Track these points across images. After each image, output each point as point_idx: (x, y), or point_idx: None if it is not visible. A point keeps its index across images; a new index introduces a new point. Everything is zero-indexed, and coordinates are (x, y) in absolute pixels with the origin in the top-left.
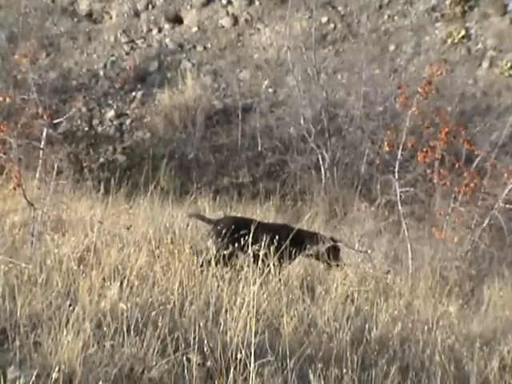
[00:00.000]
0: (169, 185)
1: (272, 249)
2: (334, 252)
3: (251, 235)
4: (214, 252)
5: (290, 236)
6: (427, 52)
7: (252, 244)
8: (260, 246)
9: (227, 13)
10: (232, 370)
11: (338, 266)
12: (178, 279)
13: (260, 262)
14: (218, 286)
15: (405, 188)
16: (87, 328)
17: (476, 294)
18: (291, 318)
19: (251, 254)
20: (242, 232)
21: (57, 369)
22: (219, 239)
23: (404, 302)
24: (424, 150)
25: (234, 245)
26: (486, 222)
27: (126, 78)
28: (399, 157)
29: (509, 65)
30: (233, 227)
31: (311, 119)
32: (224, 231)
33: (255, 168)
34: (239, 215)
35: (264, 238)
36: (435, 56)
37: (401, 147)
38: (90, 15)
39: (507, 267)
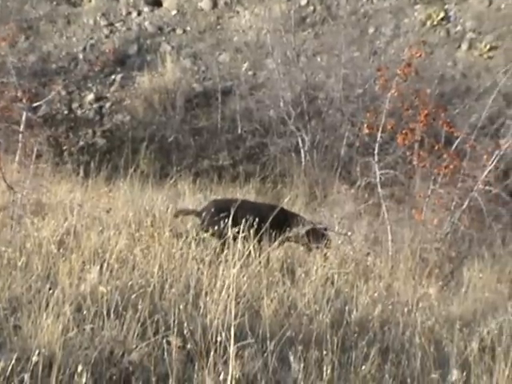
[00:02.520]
0: (149, 168)
1: (252, 231)
2: (315, 235)
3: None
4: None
5: (273, 215)
6: (406, 34)
7: (236, 224)
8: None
9: None
10: (212, 352)
11: (317, 248)
12: (158, 262)
13: (240, 245)
14: (198, 269)
15: (384, 170)
16: (67, 311)
17: (456, 275)
18: (271, 301)
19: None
20: (225, 213)
21: (37, 352)
22: (208, 225)
23: (384, 284)
24: (404, 132)
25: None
26: (466, 203)
27: (105, 61)
28: (379, 139)
29: (488, 47)
30: (216, 210)
31: (291, 102)
32: (210, 216)
33: (235, 151)
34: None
35: (248, 218)
36: (414, 38)
37: (380, 129)
38: None
39: (487, 249)
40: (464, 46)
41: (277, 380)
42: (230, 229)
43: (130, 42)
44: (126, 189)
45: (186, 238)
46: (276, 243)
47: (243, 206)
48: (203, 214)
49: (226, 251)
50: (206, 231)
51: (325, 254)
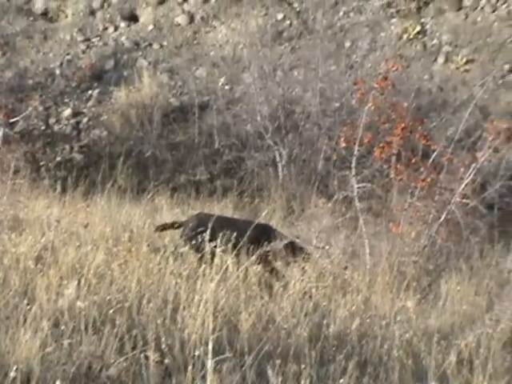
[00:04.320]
0: (126, 183)
1: (230, 245)
2: (293, 249)
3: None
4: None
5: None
6: (383, 48)
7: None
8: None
9: (183, 10)
10: (190, 367)
11: (295, 262)
12: (136, 277)
13: (218, 259)
14: (176, 284)
15: (362, 184)
16: (45, 327)
17: (433, 288)
18: (249, 315)
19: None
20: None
21: (14, 368)
22: (187, 239)
23: (362, 298)
24: (381, 145)
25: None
26: (443, 216)
27: (82, 76)
28: (356, 153)
29: (464, 60)
30: (197, 224)
31: (268, 116)
32: (190, 230)
33: (212, 165)
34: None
35: (227, 233)
36: (391, 52)
37: (357, 143)
38: (45, 14)
39: (464, 262)
40: (440, 60)
41: None
42: (207, 243)
43: (106, 57)
44: (103, 204)
45: (164, 252)
46: (254, 257)
47: (223, 221)
48: (184, 228)
49: (203, 266)
50: (186, 245)
51: (302, 268)
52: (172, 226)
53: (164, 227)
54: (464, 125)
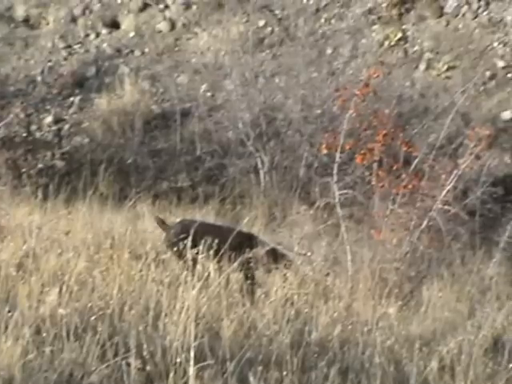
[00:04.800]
0: (108, 190)
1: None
2: (274, 256)
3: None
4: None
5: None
6: (364, 55)
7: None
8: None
9: (164, 17)
10: (172, 374)
11: (277, 268)
12: (117, 284)
13: (199, 266)
14: (158, 291)
15: (343, 190)
16: (26, 334)
17: (415, 295)
18: (231, 322)
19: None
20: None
21: None
22: (171, 245)
23: (344, 304)
24: (362, 152)
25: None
26: (425, 223)
27: (63, 83)
28: (337, 159)
29: (445, 67)
30: (180, 230)
31: (249, 123)
32: (174, 236)
33: (194, 172)
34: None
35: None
36: (372, 59)
37: (339, 150)
38: (26, 21)
39: (446, 268)
40: (422, 66)
41: None
42: (189, 250)
43: (88, 64)
44: (84, 211)
45: (146, 259)
46: (236, 264)
47: (207, 228)
48: (167, 234)
49: (185, 272)
50: (168, 251)
51: (284, 275)
52: (163, 225)
53: (162, 221)
54: (445, 131)
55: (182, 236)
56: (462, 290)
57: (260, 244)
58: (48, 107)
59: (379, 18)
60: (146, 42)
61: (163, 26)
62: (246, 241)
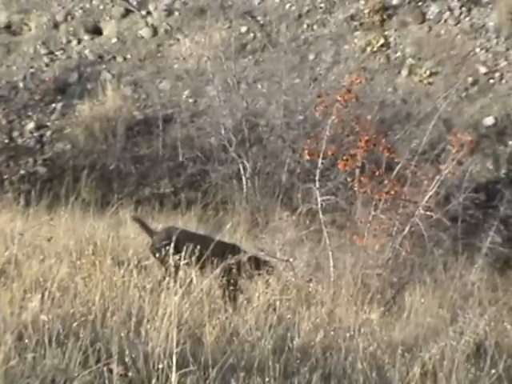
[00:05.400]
0: (90, 196)
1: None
2: (256, 262)
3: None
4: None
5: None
6: (346, 61)
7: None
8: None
9: (146, 23)
10: (154, 380)
11: (259, 275)
12: (100, 290)
13: (181, 273)
14: (140, 297)
15: (326, 196)
16: (8, 340)
17: (397, 301)
18: (213, 328)
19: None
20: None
21: None
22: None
23: (326, 310)
24: (344, 158)
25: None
26: (407, 229)
27: (45, 89)
28: (320, 165)
29: (428, 73)
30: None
31: (232, 129)
32: (159, 242)
33: (176, 178)
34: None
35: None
36: (355, 64)
37: (321, 156)
38: (8, 27)
39: (428, 274)
40: (404, 72)
41: None
42: (171, 256)
43: (70, 70)
44: (67, 217)
45: (128, 265)
46: (218, 270)
47: (191, 237)
48: (153, 241)
49: (167, 279)
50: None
51: (267, 281)
52: (147, 229)
53: (142, 223)
54: (428, 137)
55: (165, 242)
56: (444, 295)
57: (242, 253)
58: (30, 113)
59: (361, 24)
60: (128, 48)
61: (145, 32)
62: (229, 250)
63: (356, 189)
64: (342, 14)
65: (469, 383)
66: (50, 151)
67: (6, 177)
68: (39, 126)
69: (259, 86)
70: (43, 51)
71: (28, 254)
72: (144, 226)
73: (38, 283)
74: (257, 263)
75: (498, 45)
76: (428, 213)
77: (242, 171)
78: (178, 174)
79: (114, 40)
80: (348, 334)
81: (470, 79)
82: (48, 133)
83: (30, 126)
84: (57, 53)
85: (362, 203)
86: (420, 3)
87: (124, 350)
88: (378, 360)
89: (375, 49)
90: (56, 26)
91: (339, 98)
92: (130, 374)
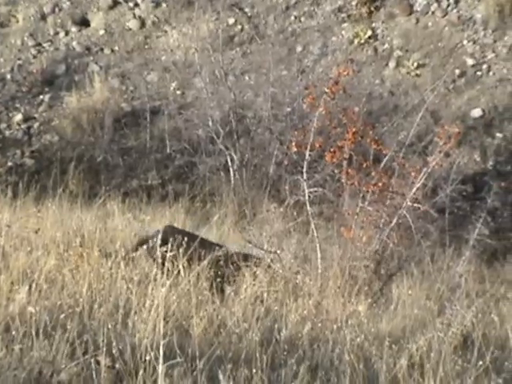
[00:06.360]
0: (77, 188)
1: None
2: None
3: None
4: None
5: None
6: (334, 52)
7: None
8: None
9: (134, 15)
10: (141, 372)
11: (247, 266)
12: (87, 282)
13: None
14: (128, 289)
15: (313, 188)
16: None
17: (385, 292)
18: (201, 320)
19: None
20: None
21: None
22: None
23: (313, 302)
24: (332, 150)
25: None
26: (394, 221)
27: (33, 81)
28: (307, 157)
29: (415, 64)
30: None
31: (219, 121)
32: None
33: (164, 170)
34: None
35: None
36: (342, 56)
37: (309, 148)
38: None
39: (416, 266)
40: (391, 64)
41: None
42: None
43: (57, 62)
44: (54, 209)
45: (115, 257)
46: (205, 262)
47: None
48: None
49: (155, 270)
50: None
51: (254, 273)
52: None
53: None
54: (415, 129)
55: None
56: (431, 287)
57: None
58: (17, 105)
59: (349, 15)
60: (116, 39)
61: (133, 23)
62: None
63: (343, 181)
64: (329, 5)
65: (456, 375)
66: (38, 143)
67: None
68: (27, 118)
69: (247, 78)
70: (31, 43)
71: (15, 246)
72: (144, 242)
73: (26, 275)
74: (244, 254)
75: (485, 37)
76: (415, 205)
77: (229, 163)
78: (166, 166)
79: (102, 32)
80: (335, 326)
81: (457, 71)
82: (35, 125)
83: (18, 117)
84: (44, 45)
85: (349, 195)
86: None
87: (111, 341)
88: (365, 352)
89: (363, 41)
90: (43, 17)
91: (327, 90)
92: (117, 365)
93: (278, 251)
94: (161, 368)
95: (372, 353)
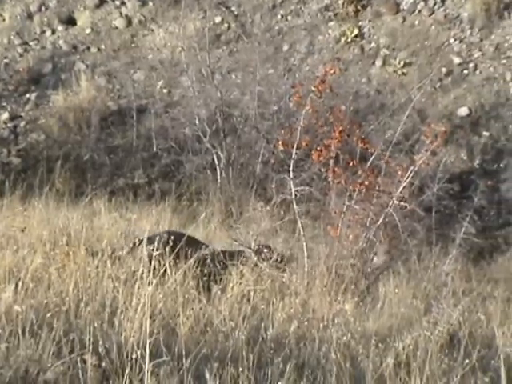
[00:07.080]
0: (64, 187)
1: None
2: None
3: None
4: None
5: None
6: (321, 51)
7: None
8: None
9: (120, 14)
10: (128, 370)
11: (233, 265)
12: (74, 281)
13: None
14: (114, 287)
15: (300, 187)
16: None
17: (371, 291)
18: (187, 318)
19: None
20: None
21: None
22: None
23: (300, 301)
24: (319, 148)
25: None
26: (381, 219)
27: (19, 80)
28: (294, 156)
29: (402, 63)
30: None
31: (206, 119)
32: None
33: (150, 169)
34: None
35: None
36: (329, 55)
37: (295, 146)
38: None
39: (402, 264)
40: (378, 63)
41: None
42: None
43: (44, 60)
44: (41, 208)
45: (102, 256)
46: (192, 260)
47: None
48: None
49: (141, 269)
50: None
51: (241, 271)
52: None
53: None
54: (402, 128)
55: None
56: (418, 286)
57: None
58: (4, 104)
59: (336, 14)
60: (103, 38)
61: (119, 22)
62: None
63: (330, 179)
64: (316, 4)
65: (442, 373)
66: (24, 142)
67: None
68: (13, 117)
69: (233, 77)
70: (17, 41)
71: (1, 245)
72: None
73: (12, 273)
74: (231, 253)
75: (472, 35)
76: (402, 203)
77: (216, 162)
78: (152, 165)
79: (88, 30)
80: (322, 325)
81: (444, 70)
82: (22, 123)
83: (4, 116)
84: (31, 43)
85: (336, 194)
86: None
87: (98, 340)
88: (351, 350)
89: (349, 39)
90: (30, 16)
91: (313, 89)
92: (103, 364)
93: (265, 250)
94: (147, 366)
95: (358, 351)
